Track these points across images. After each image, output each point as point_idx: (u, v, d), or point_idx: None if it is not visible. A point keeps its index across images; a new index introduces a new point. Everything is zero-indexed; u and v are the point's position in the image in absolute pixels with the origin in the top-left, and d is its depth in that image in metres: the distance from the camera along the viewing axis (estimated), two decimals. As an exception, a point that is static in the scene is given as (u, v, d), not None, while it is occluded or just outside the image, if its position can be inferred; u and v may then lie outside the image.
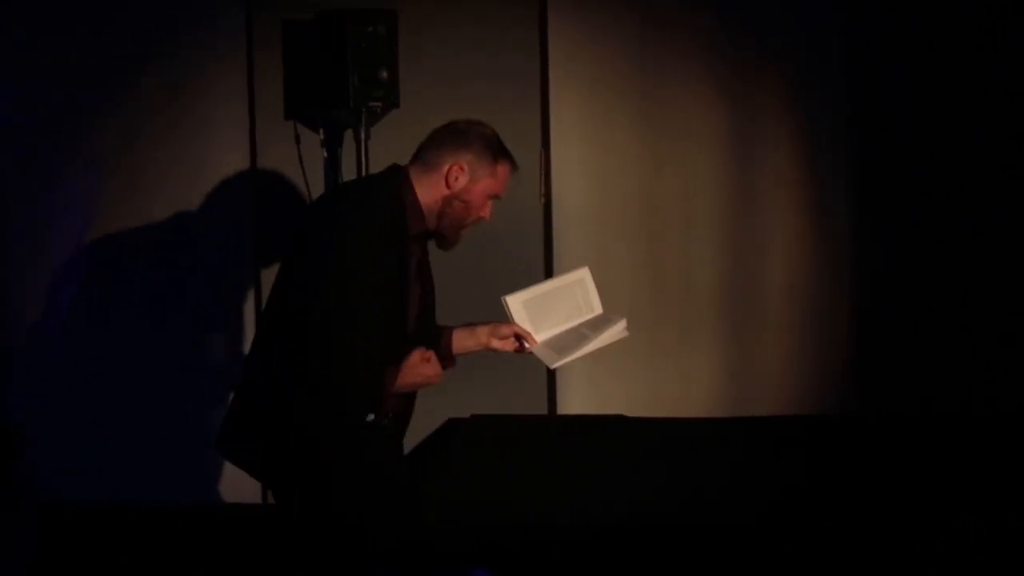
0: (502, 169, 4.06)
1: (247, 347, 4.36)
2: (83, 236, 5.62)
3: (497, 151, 4.05)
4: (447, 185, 4.01)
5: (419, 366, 4.07)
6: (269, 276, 4.92)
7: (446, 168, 4.01)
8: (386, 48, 5.41)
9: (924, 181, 5.70)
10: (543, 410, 5.81)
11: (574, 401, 5.81)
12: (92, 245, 5.64)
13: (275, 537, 4.09)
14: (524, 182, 5.81)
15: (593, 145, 5.84)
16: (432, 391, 5.64)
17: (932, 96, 5.71)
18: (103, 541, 5.40)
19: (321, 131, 5.58)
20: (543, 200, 5.80)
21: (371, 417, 4.06)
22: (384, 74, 5.39)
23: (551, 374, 5.75)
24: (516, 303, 4.18)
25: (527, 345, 4.19)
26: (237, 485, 5.31)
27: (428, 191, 4.03)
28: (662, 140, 5.84)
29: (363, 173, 5.40)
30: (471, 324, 4.27)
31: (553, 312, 4.23)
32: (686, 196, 5.86)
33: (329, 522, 3.96)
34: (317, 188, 5.51)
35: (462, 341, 4.25)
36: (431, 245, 4.21)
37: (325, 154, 5.60)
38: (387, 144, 5.35)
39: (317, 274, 3.88)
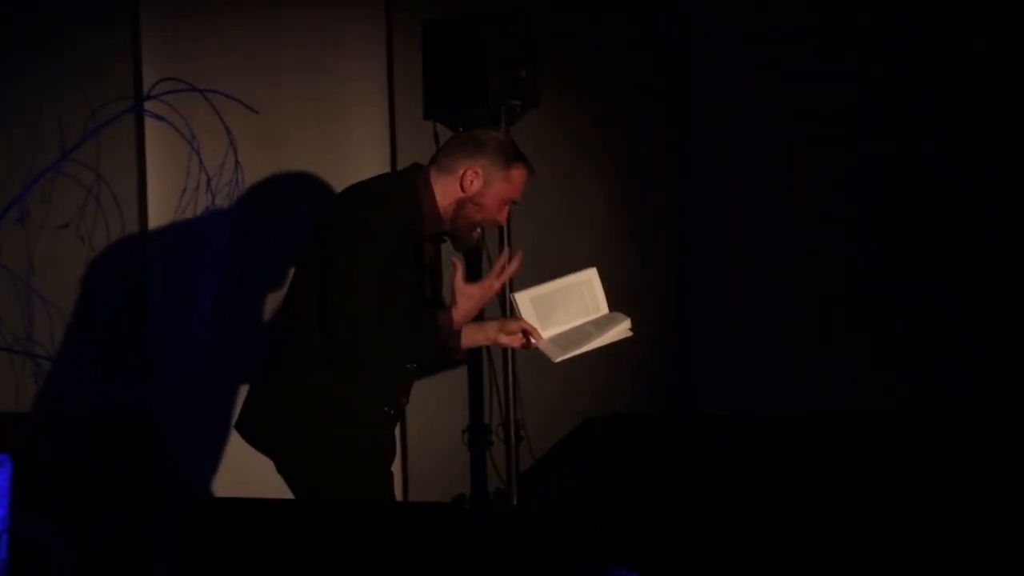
0: (517, 174, 4.22)
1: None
2: (225, 239, 5.69)
3: (511, 156, 4.21)
4: (462, 188, 4.18)
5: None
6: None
7: (461, 172, 4.18)
8: (525, 48, 5.44)
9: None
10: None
11: (713, 400, 5.79)
12: (234, 248, 5.71)
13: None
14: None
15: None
16: (572, 390, 5.71)
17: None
18: (246, 540, 5.45)
19: (460, 130, 5.61)
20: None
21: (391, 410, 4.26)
22: (523, 73, 5.42)
23: (688, 373, 5.73)
24: (524, 300, 4.28)
25: (533, 341, 4.28)
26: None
27: (444, 193, 4.20)
28: (801, 137, 5.80)
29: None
30: (481, 320, 4.37)
31: (560, 310, 4.31)
32: (835, 196, 5.83)
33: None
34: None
35: (471, 335, 4.31)
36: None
37: (464, 154, 5.63)
38: (526, 143, 5.35)
39: (335, 266, 4.05)
